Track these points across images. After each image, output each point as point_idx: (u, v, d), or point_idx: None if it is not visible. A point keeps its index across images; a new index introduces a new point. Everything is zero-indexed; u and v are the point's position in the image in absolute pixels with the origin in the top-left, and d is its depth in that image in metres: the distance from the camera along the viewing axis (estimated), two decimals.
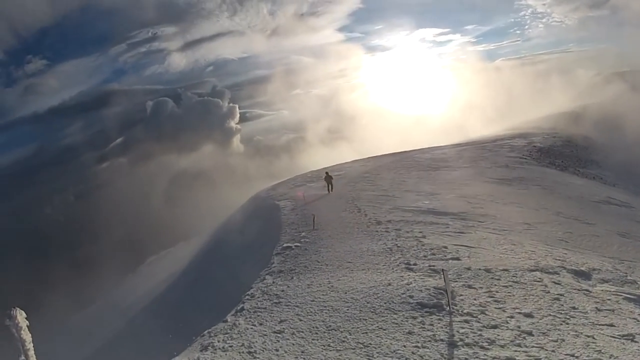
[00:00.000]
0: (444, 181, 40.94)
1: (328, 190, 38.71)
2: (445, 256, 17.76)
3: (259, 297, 15.67)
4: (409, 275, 15.52)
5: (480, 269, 15.60)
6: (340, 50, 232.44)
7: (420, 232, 22.47)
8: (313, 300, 14.32)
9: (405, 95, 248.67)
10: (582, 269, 16.69)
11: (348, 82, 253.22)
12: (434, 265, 16.28)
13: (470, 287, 13.93)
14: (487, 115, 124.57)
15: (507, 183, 41.09)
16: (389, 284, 14.59)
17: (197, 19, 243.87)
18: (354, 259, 18.59)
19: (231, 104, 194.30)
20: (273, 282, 17.16)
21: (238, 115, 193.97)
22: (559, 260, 17.93)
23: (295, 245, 22.55)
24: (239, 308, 14.87)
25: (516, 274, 15.11)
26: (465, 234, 22.64)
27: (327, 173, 40.39)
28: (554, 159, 58.63)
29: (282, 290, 15.96)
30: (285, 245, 23.13)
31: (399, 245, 19.82)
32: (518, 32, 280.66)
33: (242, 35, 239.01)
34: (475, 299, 12.78)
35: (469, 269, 15.73)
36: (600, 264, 18.38)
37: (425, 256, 17.93)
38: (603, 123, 74.88)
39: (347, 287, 15.03)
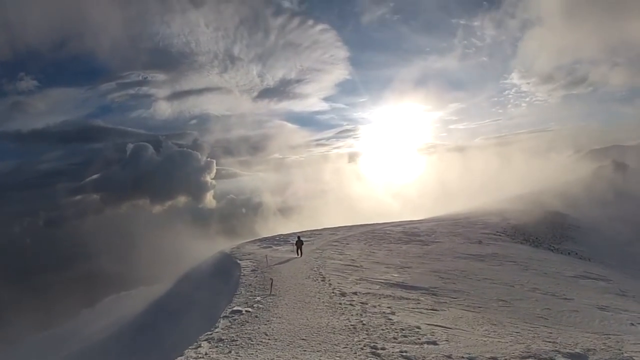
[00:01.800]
0: (414, 255, 38.87)
1: (297, 254, 37.32)
2: (419, 339, 15.09)
3: None
4: None
5: (463, 358, 13.10)
6: (323, 120, 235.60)
7: (389, 307, 20.18)
8: None
9: (384, 168, 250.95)
10: (577, 350, 14.83)
11: (328, 152, 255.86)
12: (406, 352, 13.55)
13: None
14: (463, 193, 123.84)
15: (480, 259, 39.20)
16: None
17: (188, 70, 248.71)
18: (310, 336, 15.54)
19: (209, 159, 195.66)
20: (206, 354, 13.88)
21: (215, 171, 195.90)
22: (549, 342, 15.91)
23: (246, 310, 19.64)
24: None
25: None
26: (438, 312, 20.61)
27: (298, 237, 39.06)
28: (528, 236, 57.20)
29: None
30: (235, 308, 20.25)
31: (364, 322, 17.06)
32: (500, 111, 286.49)
33: (229, 93, 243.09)
34: None
35: (449, 357, 13.14)
36: (590, 342, 16.55)
37: (395, 338, 15.16)
38: (578, 199, 75.77)
39: None
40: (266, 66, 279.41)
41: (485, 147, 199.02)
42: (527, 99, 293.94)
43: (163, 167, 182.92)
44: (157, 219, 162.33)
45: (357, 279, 27.30)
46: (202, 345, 14.97)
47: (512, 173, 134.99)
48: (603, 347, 15.53)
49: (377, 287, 25.53)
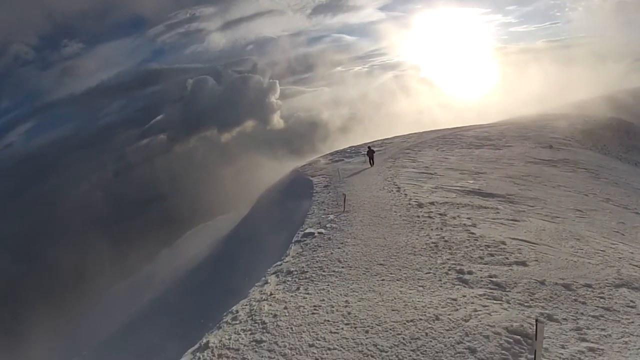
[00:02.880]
0: (487, 160, 38.30)
1: (370, 164, 37.39)
2: (507, 258, 14.32)
3: (238, 324, 11.84)
4: (463, 295, 11.89)
5: (557, 284, 12.37)
6: (381, 29, 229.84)
7: (469, 218, 19.59)
8: (310, 347, 10.20)
9: (447, 74, 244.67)
10: None
11: (390, 60, 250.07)
12: (495, 276, 12.89)
13: (552, 319, 10.52)
14: (528, 97, 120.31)
15: (553, 164, 38.31)
16: (437, 318, 10.69)
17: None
18: (388, 260, 14.88)
19: (271, 80, 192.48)
20: (271, 294, 13.34)
21: (279, 91, 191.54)
22: (636, 266, 14.81)
23: (319, 232, 19.43)
24: (203, 343, 11.20)
25: (602, 292, 12.08)
26: (519, 223, 19.71)
27: (369, 147, 38.80)
28: (596, 142, 55.83)
29: (275, 315, 11.87)
30: (307, 230, 20.16)
31: (445, 238, 16.44)
32: (558, 14, 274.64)
33: (282, 14, 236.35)
34: (565, 348, 9.34)
35: (542, 282, 12.45)
36: None
37: (481, 258, 14.47)
38: None
39: (369, 320, 10.97)
40: None
41: (546, 50, 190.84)
42: (583, 3, 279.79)
43: (226, 96, 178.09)
44: (227, 148, 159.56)
45: (432, 187, 26.97)
46: (269, 281, 14.75)
47: (575, 78, 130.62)
48: None
49: (454, 195, 25.07)
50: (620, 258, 15.73)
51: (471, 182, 29.05)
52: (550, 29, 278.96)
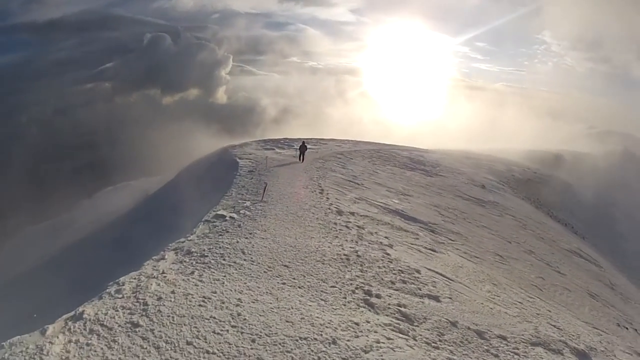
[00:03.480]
0: (417, 184, 36.72)
1: (300, 159, 36.34)
2: (419, 289, 13.11)
3: (120, 299, 10.01)
4: (367, 320, 10.40)
5: (470, 329, 11.26)
6: (347, 31, 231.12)
7: (387, 237, 18.32)
8: (188, 344, 8.61)
9: (399, 91, 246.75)
10: (582, 347, 13.14)
11: (347, 64, 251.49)
12: (405, 306, 11.58)
13: None
14: (473, 133, 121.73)
15: (481, 204, 37.41)
16: (334, 342, 9.20)
17: None
18: (294, 263, 13.40)
19: (226, 54, 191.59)
20: (162, 273, 11.59)
21: (230, 66, 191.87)
22: (554, 327, 14.27)
23: (230, 217, 17.85)
24: (78, 312, 9.25)
25: (517, 348, 11.16)
26: (437, 255, 18.77)
27: (303, 142, 37.69)
28: (530, 194, 55.92)
29: (160, 298, 10.17)
30: (220, 212, 18.69)
31: (359, 253, 15.02)
32: (526, 63, 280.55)
33: None
34: None
35: (454, 324, 11.24)
36: (589, 337, 14.98)
37: (392, 282, 13.18)
38: (585, 175, 73.39)
39: (259, 327, 9.41)
40: None
41: (503, 93, 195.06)
42: (555, 60, 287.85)
43: (178, 58, 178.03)
44: (166, 110, 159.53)
45: (356, 198, 25.54)
46: (166, 257, 13.09)
47: (525, 127, 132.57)
48: (602, 349, 14.12)
49: (376, 210, 23.75)
50: (538, 314, 15.32)
51: (396, 201, 27.85)
52: (513, 75, 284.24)
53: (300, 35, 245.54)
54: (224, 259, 12.94)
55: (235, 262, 12.79)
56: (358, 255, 14.79)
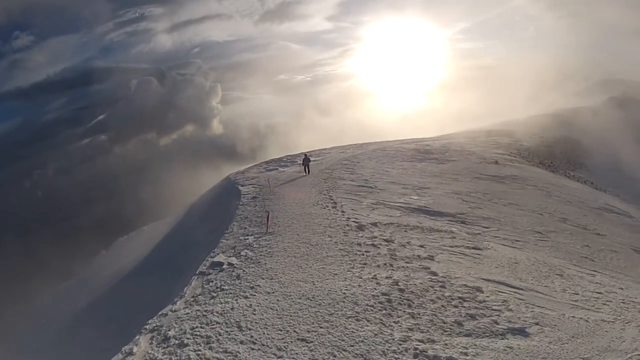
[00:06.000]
0: (431, 174, 34.66)
1: (305, 172, 34.35)
2: (495, 322, 9.98)
3: None
4: None
5: None
6: (328, 39, 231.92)
7: (422, 246, 15.68)
8: None
9: (390, 86, 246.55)
10: None
11: (334, 71, 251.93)
12: None
13: None
14: (471, 112, 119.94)
15: (500, 180, 35.53)
16: None
17: (185, 1, 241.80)
18: (316, 329, 9.79)
19: (214, 83, 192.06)
20: None
21: (220, 95, 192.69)
22: None
23: (229, 264, 14.56)
24: None
25: None
26: (483, 252, 16.25)
27: (305, 155, 35.83)
28: (543, 159, 54.04)
29: None
30: (217, 258, 15.34)
31: (399, 283, 11.88)
32: (507, 33, 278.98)
33: (230, 19, 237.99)
34: None
35: None
36: None
37: (459, 323, 9.91)
38: (589, 128, 71.87)
39: None
40: None
41: (492, 67, 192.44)
42: (535, 23, 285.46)
43: (167, 98, 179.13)
44: (165, 152, 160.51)
45: (372, 203, 23.32)
46: (139, 343, 9.94)
47: (520, 96, 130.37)
48: None
49: (398, 213, 21.65)
50: (623, 302, 13.04)
51: (416, 197, 25.87)
52: (498, 47, 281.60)
53: (283, 52, 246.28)
54: (210, 348, 9.31)
55: (226, 350, 9.21)
56: (400, 289, 11.60)
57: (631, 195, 47.66)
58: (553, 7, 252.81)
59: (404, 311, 10.32)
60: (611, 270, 18.45)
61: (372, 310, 10.44)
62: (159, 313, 11.73)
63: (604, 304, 12.48)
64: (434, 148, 48.12)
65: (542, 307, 11.21)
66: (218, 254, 16.05)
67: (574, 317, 10.88)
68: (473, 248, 16.59)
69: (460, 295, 11.16)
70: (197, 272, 14.50)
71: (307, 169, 34.24)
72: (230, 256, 15.45)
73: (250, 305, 11.13)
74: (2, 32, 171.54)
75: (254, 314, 10.55)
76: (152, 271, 30.15)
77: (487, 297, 11.19)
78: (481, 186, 32.40)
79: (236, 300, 11.51)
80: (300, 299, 11.34)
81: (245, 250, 15.69)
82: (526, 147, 58.17)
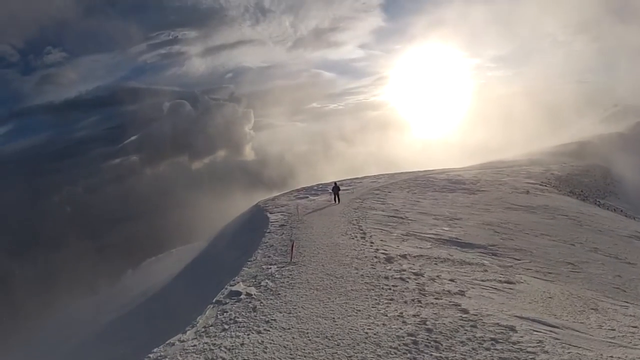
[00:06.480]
0: (462, 205, 34.58)
1: (335, 200, 34.34)
2: None
3: None
4: None
5: None
6: (360, 67, 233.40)
7: (452, 280, 15.17)
8: None
9: (421, 116, 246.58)
10: None
11: (366, 99, 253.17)
12: None
13: None
14: (501, 141, 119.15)
15: (532, 211, 34.99)
16: None
17: (219, 26, 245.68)
18: None
19: (247, 109, 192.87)
20: None
21: (253, 121, 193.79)
22: None
23: (247, 293, 13.98)
24: None
25: None
26: (515, 286, 15.82)
27: (335, 183, 35.69)
28: (573, 188, 53.41)
29: None
30: (236, 287, 14.74)
31: (427, 322, 11.10)
32: (537, 59, 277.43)
33: (263, 45, 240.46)
34: None
35: None
36: None
37: None
38: (618, 154, 71.40)
39: None
40: (298, 17, 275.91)
41: (522, 95, 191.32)
42: (564, 49, 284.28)
43: (200, 122, 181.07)
44: (197, 175, 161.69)
45: (403, 234, 22.97)
46: None
47: (551, 123, 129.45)
48: None
49: (429, 245, 21.35)
50: None
51: (447, 229, 25.58)
52: (528, 74, 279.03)
53: (315, 80, 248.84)
54: None
55: None
56: (428, 329, 10.80)
57: None
58: (581, 31, 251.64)
59: (431, 354, 9.63)
60: None
61: (395, 354, 9.75)
62: (167, 342, 11.33)
63: (637, 337, 11.95)
64: (465, 178, 48.04)
65: (579, 347, 10.58)
66: (238, 282, 15.54)
67: (612, 357, 10.26)
68: (505, 282, 16.13)
69: (492, 336, 10.45)
70: (213, 301, 14.01)
71: (337, 198, 34.10)
72: (249, 285, 14.97)
73: (262, 342, 10.64)
74: (34, 46, 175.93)
75: (265, 352, 10.06)
76: (177, 294, 30.08)
77: (521, 337, 10.53)
78: (513, 217, 32.04)
79: (248, 335, 11.00)
80: (317, 337, 10.77)
81: (266, 280, 15.25)
82: (557, 175, 57.39)
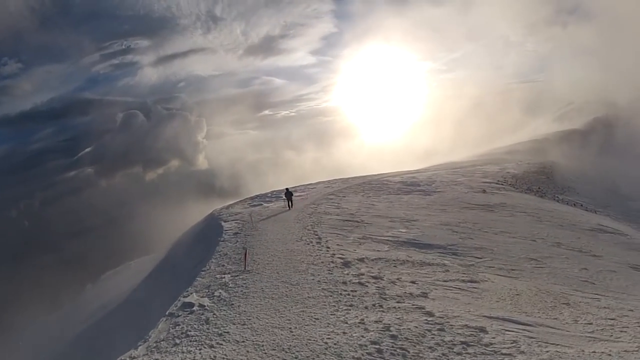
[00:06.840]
0: (418, 206, 33.94)
1: (288, 206, 33.95)
2: None
3: None
4: None
5: None
6: (311, 73, 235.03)
7: (414, 283, 14.58)
8: None
9: (373, 120, 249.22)
10: None
11: (318, 106, 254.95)
12: None
13: None
14: (456, 142, 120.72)
15: (489, 209, 34.59)
16: None
17: (171, 34, 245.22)
18: None
19: (199, 118, 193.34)
20: None
21: (205, 130, 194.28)
22: None
23: (200, 305, 13.23)
24: None
25: None
26: (480, 285, 15.43)
27: (287, 189, 35.16)
28: (530, 185, 53.41)
29: None
30: (189, 298, 14.01)
31: (391, 328, 10.46)
32: (489, 61, 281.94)
33: (215, 53, 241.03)
34: None
35: None
36: None
37: None
38: (574, 151, 72.85)
39: None
40: (249, 24, 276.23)
41: (476, 96, 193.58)
42: (516, 49, 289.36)
43: (153, 132, 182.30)
44: (151, 186, 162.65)
45: (359, 238, 22.36)
46: None
47: (504, 123, 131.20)
48: None
49: (387, 247, 20.74)
50: (639, 325, 12.43)
51: (404, 231, 25.10)
52: (480, 76, 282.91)
53: (266, 87, 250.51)
54: None
55: None
56: (392, 336, 10.14)
57: (621, 213, 48.04)
58: (533, 33, 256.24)
59: None
60: (614, 291, 17.96)
61: None
62: (118, 359, 10.44)
63: (621, 331, 11.69)
64: (420, 180, 47.59)
65: (557, 345, 9.97)
66: (191, 293, 14.75)
67: (594, 352, 9.70)
68: (469, 281, 15.76)
69: (462, 340, 9.78)
70: (166, 314, 13.12)
71: (289, 203, 33.72)
72: (203, 296, 14.17)
73: (215, 357, 9.90)
74: None
75: None
76: (135, 307, 29.87)
77: (493, 338, 9.87)
78: (470, 216, 31.71)
79: (200, 350, 10.23)
80: (274, 349, 10.02)
81: (220, 291, 14.41)
82: (513, 174, 57.42)
